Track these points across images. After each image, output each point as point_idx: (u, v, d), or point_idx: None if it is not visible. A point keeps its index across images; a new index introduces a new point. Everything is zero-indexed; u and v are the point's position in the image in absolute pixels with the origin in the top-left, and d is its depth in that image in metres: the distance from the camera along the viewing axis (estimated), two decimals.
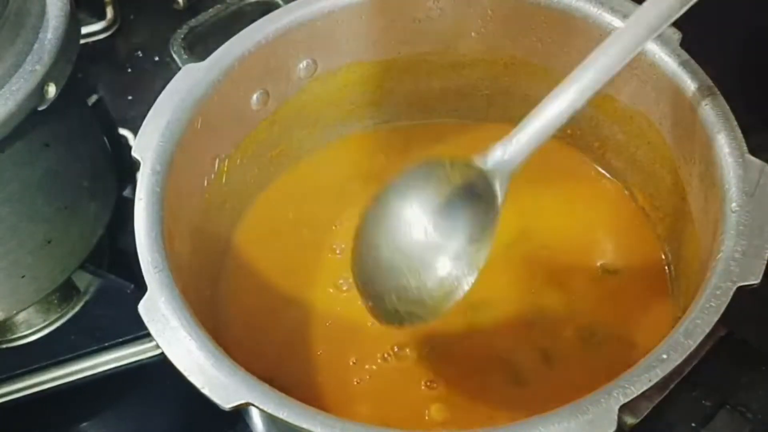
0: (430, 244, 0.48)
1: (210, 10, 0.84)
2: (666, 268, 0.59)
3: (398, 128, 0.67)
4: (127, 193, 0.69)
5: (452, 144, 0.66)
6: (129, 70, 0.85)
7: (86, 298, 0.69)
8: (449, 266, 0.48)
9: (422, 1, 0.60)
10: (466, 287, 0.48)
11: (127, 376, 0.65)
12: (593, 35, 0.56)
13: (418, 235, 0.48)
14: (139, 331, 0.64)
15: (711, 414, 0.57)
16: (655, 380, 0.41)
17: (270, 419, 0.43)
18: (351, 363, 0.56)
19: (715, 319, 0.43)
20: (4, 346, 0.67)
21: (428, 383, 0.55)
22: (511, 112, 0.65)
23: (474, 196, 0.48)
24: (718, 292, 0.44)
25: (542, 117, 0.47)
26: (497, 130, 0.66)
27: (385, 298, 0.48)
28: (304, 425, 0.41)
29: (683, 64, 0.52)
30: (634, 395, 0.41)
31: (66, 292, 0.68)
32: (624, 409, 0.40)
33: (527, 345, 0.56)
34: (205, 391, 0.43)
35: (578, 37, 0.57)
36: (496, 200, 0.48)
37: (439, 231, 0.48)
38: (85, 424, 0.65)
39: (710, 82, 0.52)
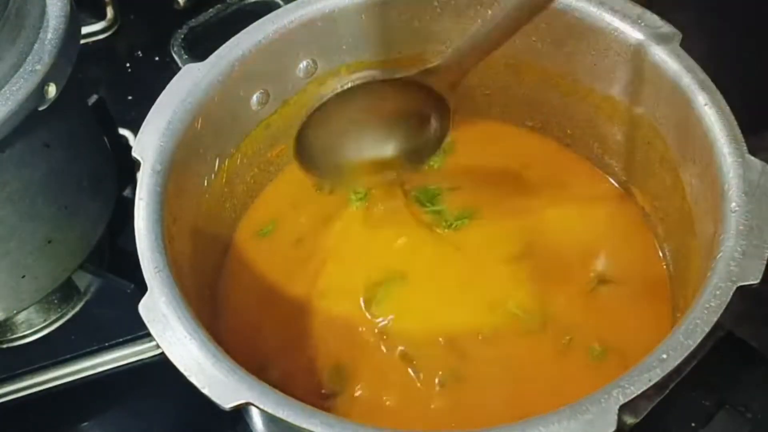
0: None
1: (210, 10, 0.85)
2: (666, 272, 0.59)
3: None
4: (127, 193, 0.69)
5: (453, 139, 0.66)
6: (129, 70, 0.85)
7: (86, 298, 0.69)
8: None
9: (422, 1, 0.60)
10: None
11: (127, 376, 0.65)
12: (593, 35, 0.56)
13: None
14: (139, 331, 0.65)
15: (711, 414, 0.57)
16: (655, 380, 0.41)
17: (270, 419, 0.43)
18: (350, 362, 0.56)
19: (715, 319, 0.43)
20: (4, 346, 0.67)
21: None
22: (511, 112, 0.66)
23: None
24: (718, 292, 0.44)
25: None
26: (498, 127, 0.66)
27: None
28: (304, 425, 0.41)
29: (683, 64, 0.52)
30: (634, 395, 0.41)
31: (66, 292, 0.68)
32: (624, 408, 0.40)
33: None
34: (205, 391, 0.43)
35: (577, 38, 0.57)
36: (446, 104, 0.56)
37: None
38: (85, 424, 0.65)
39: (710, 82, 0.52)
